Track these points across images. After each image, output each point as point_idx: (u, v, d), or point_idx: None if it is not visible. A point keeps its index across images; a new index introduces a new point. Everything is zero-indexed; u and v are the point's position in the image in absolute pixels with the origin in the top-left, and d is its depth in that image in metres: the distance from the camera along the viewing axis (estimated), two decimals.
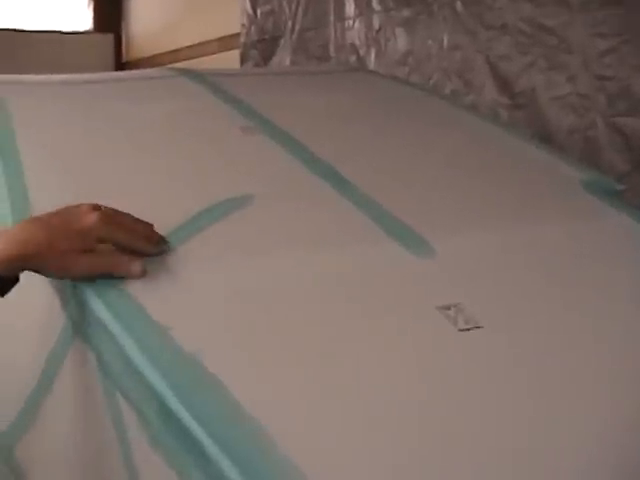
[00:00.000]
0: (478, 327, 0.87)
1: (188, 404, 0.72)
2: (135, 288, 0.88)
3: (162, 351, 0.78)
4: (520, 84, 2.46)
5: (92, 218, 0.88)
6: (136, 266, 0.90)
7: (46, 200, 1.09)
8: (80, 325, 0.93)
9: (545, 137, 2.38)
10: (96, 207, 0.91)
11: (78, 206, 0.91)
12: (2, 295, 0.91)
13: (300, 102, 1.57)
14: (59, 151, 1.26)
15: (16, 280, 0.91)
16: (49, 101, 1.50)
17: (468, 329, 0.87)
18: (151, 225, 0.96)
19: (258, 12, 3.54)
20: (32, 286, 1.02)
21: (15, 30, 4.91)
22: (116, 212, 0.93)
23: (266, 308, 0.87)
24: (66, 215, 0.90)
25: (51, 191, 1.12)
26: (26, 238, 0.88)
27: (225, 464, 0.67)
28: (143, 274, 0.89)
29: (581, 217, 1.18)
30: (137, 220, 0.95)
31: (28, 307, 1.09)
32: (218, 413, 0.71)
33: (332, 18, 3.11)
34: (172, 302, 0.87)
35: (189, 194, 1.13)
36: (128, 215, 0.94)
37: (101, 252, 0.90)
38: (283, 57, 3.35)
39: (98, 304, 0.87)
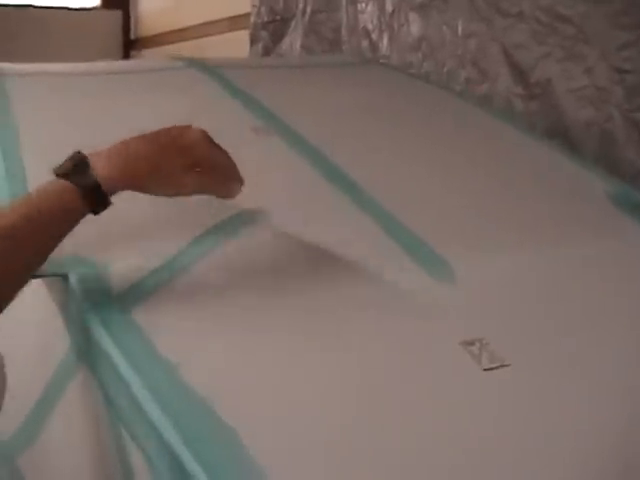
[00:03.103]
0: (504, 365, 0.83)
1: (198, 455, 0.68)
2: (143, 317, 0.84)
3: (170, 393, 0.74)
4: (536, 74, 2.40)
5: (197, 134, 0.93)
6: (237, 187, 0.96)
7: None
8: (85, 352, 0.89)
9: (561, 130, 2.33)
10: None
11: (182, 125, 0.94)
12: (95, 214, 0.90)
13: (313, 100, 1.53)
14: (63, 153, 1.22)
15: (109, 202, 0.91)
16: (53, 97, 1.45)
17: (493, 368, 0.82)
18: None
19: None
20: (36, 301, 0.98)
21: (22, 6, 4.84)
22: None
23: (277, 343, 0.83)
24: (171, 132, 0.93)
25: None
26: (133, 156, 0.89)
27: None
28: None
29: (608, 235, 1.13)
30: None
31: (31, 321, 1.05)
32: (230, 468, 0.67)
33: (344, 0, 3.04)
34: (182, 334, 0.83)
35: (199, 205, 1.09)
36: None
37: (204, 171, 0.94)
38: (294, 39, 3.29)
39: (103, 335, 0.83)
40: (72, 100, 1.45)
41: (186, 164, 0.91)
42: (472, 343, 0.86)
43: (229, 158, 0.96)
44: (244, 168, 1.22)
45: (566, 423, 0.78)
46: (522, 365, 0.84)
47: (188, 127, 0.93)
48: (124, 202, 1.06)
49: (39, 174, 1.15)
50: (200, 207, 1.10)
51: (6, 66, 1.64)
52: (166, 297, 0.89)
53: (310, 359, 0.81)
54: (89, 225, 0.91)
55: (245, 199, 1.10)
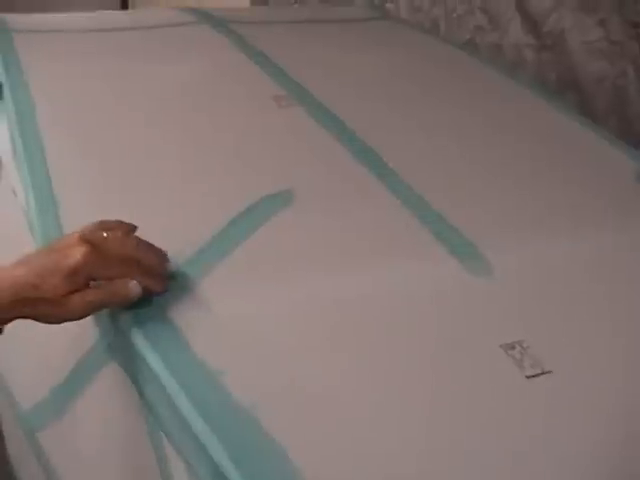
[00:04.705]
0: (545, 372, 0.81)
1: (246, 474, 0.67)
2: (179, 316, 0.82)
3: (214, 404, 0.73)
4: (548, 24, 2.36)
5: (77, 255, 0.78)
6: (132, 287, 0.81)
7: (70, 193, 1.03)
8: (115, 348, 0.87)
9: (572, 83, 2.30)
10: (84, 238, 0.80)
11: (67, 238, 0.82)
12: None
13: (333, 63, 1.49)
14: (80, 131, 1.18)
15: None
16: (63, 59, 1.41)
17: (535, 375, 0.81)
18: (157, 250, 0.87)
19: None
20: None
21: None
22: (106, 241, 0.82)
23: (326, 349, 0.81)
24: (53, 253, 0.80)
25: (75, 181, 1.06)
26: (9, 285, 0.78)
27: None
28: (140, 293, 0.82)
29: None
30: (139, 246, 0.85)
31: None
32: None
33: None
34: (221, 338, 0.81)
35: (221, 188, 1.06)
36: (126, 241, 0.84)
37: (92, 287, 0.80)
38: None
39: (138, 335, 0.80)
40: (84, 63, 1.39)
41: (71, 288, 0.78)
42: (513, 346, 0.84)
43: (123, 265, 0.81)
44: (268, 143, 1.20)
45: (614, 440, 0.77)
46: (564, 372, 0.82)
47: (74, 245, 0.79)
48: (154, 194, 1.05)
49: (58, 143, 1.13)
50: (222, 187, 1.07)
51: (11, 18, 1.59)
52: (204, 291, 0.86)
53: (355, 369, 0.80)
54: (118, 215, 0.88)
55: (273, 178, 1.08)
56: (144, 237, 0.87)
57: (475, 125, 1.32)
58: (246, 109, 1.28)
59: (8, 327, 0.85)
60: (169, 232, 0.95)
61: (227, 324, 0.82)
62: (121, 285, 0.81)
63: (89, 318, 0.93)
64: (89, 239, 0.80)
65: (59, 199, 1.02)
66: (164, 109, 1.27)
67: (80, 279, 0.79)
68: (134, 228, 0.88)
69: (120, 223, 0.87)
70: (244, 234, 0.95)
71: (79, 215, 0.98)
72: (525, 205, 1.09)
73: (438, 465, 0.72)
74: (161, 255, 0.87)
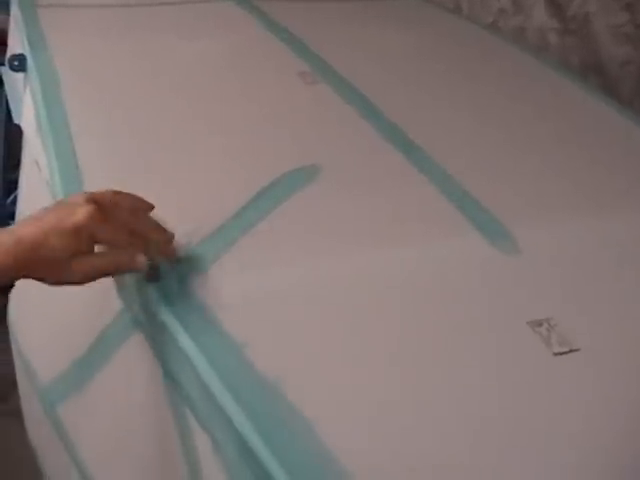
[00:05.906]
0: (573, 350, 0.80)
1: (274, 448, 0.66)
2: (206, 293, 0.81)
3: (240, 378, 0.72)
4: (573, 8, 2.33)
5: (83, 214, 0.76)
6: (139, 260, 0.79)
7: (95, 168, 1.03)
8: (140, 321, 0.87)
9: (596, 66, 2.28)
10: (90, 198, 0.78)
11: (75, 197, 0.80)
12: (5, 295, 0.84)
13: (359, 40, 1.47)
14: (104, 105, 1.18)
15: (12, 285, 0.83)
16: (89, 33, 1.40)
17: (563, 353, 0.80)
18: (165, 230, 0.84)
19: None
20: None
21: None
22: (115, 205, 0.80)
23: (339, 323, 0.81)
24: (59, 211, 0.78)
25: (100, 156, 1.06)
26: (16, 244, 0.76)
27: None
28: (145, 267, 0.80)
29: None
30: (148, 220, 0.83)
31: None
32: (303, 461, 0.65)
33: None
34: (244, 312, 0.80)
35: (248, 163, 1.06)
36: (137, 213, 0.82)
37: (97, 251, 0.79)
38: None
39: (165, 311, 0.80)
40: (108, 38, 1.39)
41: (74, 249, 0.76)
42: (540, 324, 0.83)
43: (129, 235, 0.80)
44: (294, 119, 1.19)
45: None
46: (592, 350, 0.81)
47: (80, 204, 0.77)
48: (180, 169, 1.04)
49: (83, 117, 1.12)
50: (249, 162, 1.07)
51: None
52: (227, 265, 0.86)
53: (380, 344, 0.79)
54: (143, 191, 0.87)
55: (299, 155, 1.07)
56: (169, 212, 0.86)
57: (500, 104, 1.31)
58: (272, 86, 1.27)
59: (28, 302, 0.85)
60: (195, 206, 0.95)
61: (250, 298, 0.82)
62: (127, 256, 0.79)
63: (113, 290, 0.93)
64: (97, 199, 0.78)
65: (84, 175, 1.01)
66: (189, 86, 1.26)
67: (83, 239, 0.76)
68: (151, 208, 0.85)
69: (137, 198, 0.85)
70: (268, 209, 0.95)
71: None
72: (551, 184, 1.08)
73: (465, 441, 0.71)
74: (169, 235, 0.84)
